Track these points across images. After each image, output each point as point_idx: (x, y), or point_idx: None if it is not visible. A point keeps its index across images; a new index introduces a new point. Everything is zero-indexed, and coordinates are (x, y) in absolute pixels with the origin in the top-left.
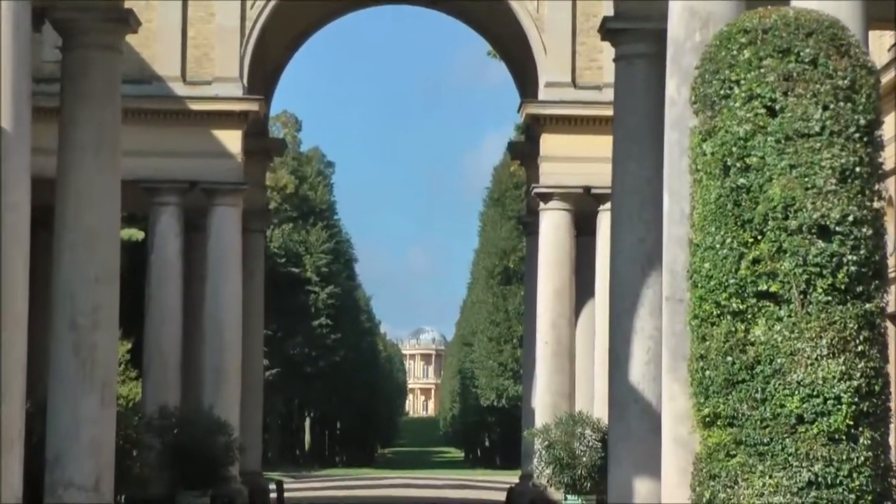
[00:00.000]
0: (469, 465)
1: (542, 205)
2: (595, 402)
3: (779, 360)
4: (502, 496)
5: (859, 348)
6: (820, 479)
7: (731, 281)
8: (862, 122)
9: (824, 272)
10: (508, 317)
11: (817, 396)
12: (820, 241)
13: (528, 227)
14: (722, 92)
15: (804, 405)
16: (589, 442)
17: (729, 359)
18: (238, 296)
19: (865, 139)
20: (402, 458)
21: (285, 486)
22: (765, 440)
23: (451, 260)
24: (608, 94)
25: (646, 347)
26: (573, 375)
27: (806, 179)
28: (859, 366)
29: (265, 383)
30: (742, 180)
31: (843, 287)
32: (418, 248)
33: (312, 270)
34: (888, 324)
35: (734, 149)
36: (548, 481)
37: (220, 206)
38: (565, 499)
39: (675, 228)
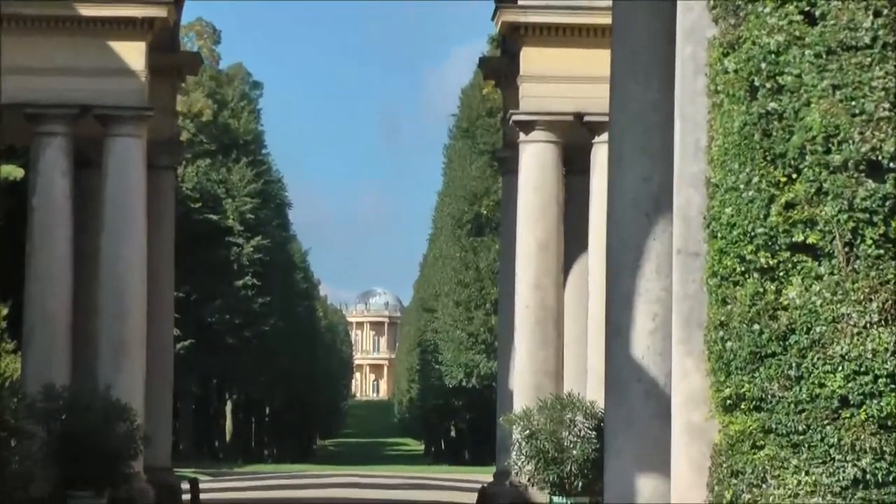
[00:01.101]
0: (431, 461)
1: (522, 136)
2: (588, 382)
3: (818, 329)
4: (472, 499)
5: None
6: (868, 475)
7: (759, 230)
8: None
9: (875, 219)
10: (480, 276)
11: (865, 374)
12: (869, 181)
13: (505, 163)
14: None
15: (849, 385)
16: (580, 431)
17: (756, 327)
18: (142, 249)
19: None
20: (347, 451)
21: (201, 485)
22: (800, 428)
23: (409, 206)
24: None
25: (651, 313)
26: (560, 348)
27: (853, 103)
28: None
29: (176, 358)
30: (773, 105)
31: None
32: (367, 190)
33: (235, 218)
34: None
35: (763, 65)
36: (529, 480)
37: (120, 137)
38: (551, 501)
39: (688, 165)
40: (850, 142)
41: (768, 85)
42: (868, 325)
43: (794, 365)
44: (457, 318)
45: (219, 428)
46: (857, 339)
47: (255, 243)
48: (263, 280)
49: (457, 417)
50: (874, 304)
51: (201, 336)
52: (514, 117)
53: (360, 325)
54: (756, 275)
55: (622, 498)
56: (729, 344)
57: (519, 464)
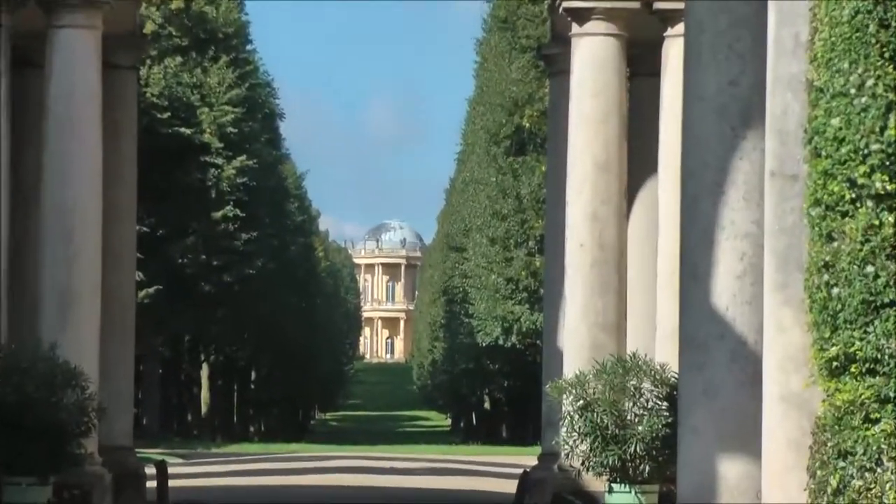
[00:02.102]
0: (459, 439)
1: (575, 27)
2: (658, 339)
3: None
4: (510, 487)
5: None
6: None
7: (874, 146)
8: None
9: None
10: (521, 205)
11: None
12: None
13: (554, 62)
14: None
15: None
16: (648, 402)
17: (869, 269)
18: (96, 171)
19: None
20: (353, 427)
21: (170, 469)
22: None
23: (432, 118)
24: None
25: (738, 252)
26: (623, 297)
27: None
28: None
29: (139, 310)
30: None
31: None
32: (380, 99)
33: (213, 132)
34: None
35: None
36: (583, 463)
37: (67, 29)
38: (610, 490)
39: (785, 64)
40: None
41: None
42: None
43: None
44: (492, 259)
45: (192, 398)
46: None
47: (237, 164)
48: (248, 211)
49: (492, 384)
50: None
51: (170, 282)
52: (566, 4)
53: (369, 268)
54: (870, 203)
55: (700, 486)
56: (836, 291)
57: (570, 443)
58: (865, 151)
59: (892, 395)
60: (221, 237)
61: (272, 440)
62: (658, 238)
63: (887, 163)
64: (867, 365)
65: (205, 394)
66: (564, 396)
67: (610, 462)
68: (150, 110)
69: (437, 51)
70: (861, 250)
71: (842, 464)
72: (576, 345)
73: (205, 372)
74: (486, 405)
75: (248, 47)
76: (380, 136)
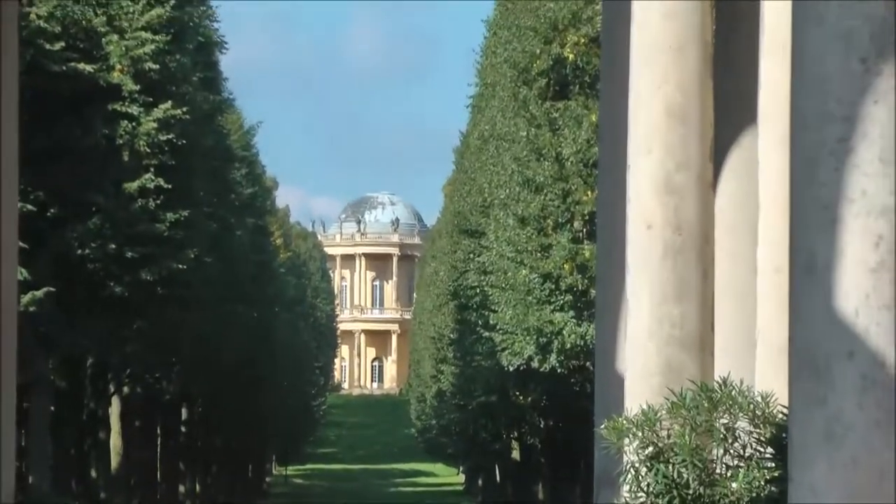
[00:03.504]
0: (478, 501)
1: None
2: (758, 360)
3: None
4: None
5: None
6: None
7: None
8: None
9: None
10: (562, 170)
11: None
12: None
13: None
14: None
15: None
16: (745, 448)
17: None
18: None
19: None
20: (325, 487)
21: None
22: None
23: (434, 48)
24: None
25: (872, 235)
26: (710, 299)
27: None
28: None
29: (22, 322)
30: None
31: None
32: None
33: (125, 69)
34: None
35: None
36: None
37: None
38: None
39: None
40: None
41: None
42: None
43: None
44: (522, 247)
45: (98, 446)
46: None
47: (160, 115)
48: (176, 181)
49: (523, 425)
50: None
51: (65, 283)
52: None
53: (348, 260)
54: None
55: None
56: None
57: None
58: None
59: None
60: (137, 218)
61: None
62: (758, 217)
63: None
64: None
65: (115, 440)
66: (626, 441)
67: None
68: (35, 39)
69: None
70: None
71: None
72: (642, 368)
73: (115, 409)
74: (516, 454)
75: None
76: (362, 73)
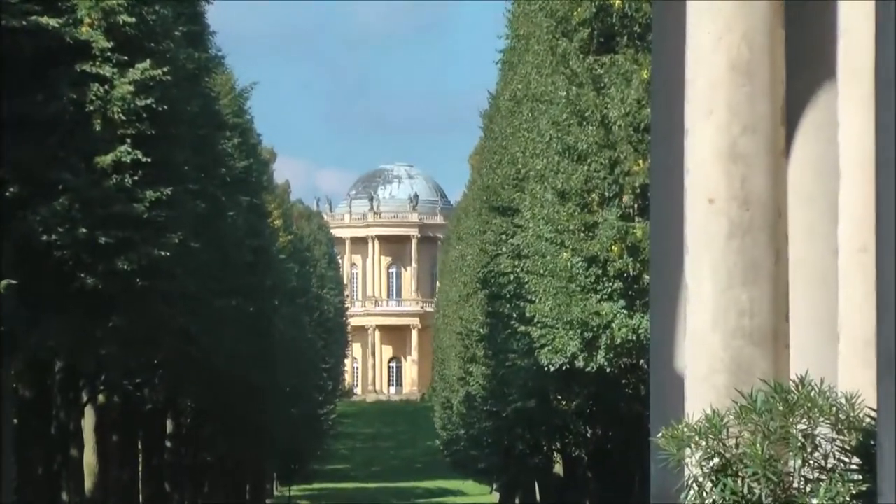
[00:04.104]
0: None
1: None
2: (841, 355)
3: None
4: None
5: None
6: None
7: None
8: None
9: None
10: (609, 136)
11: None
12: None
13: None
14: None
15: None
16: (827, 459)
17: None
18: None
19: None
20: None
21: None
22: None
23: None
24: None
25: None
26: (783, 287)
27: None
28: None
29: None
30: None
31: None
32: None
33: (96, 22)
34: None
35: None
36: None
37: None
38: None
39: None
40: None
41: None
42: None
43: None
44: (563, 226)
45: (69, 464)
46: None
47: (137, 76)
48: (156, 154)
49: (566, 433)
50: None
51: (29, 273)
52: None
53: (359, 244)
54: None
55: None
56: None
57: None
58: None
59: None
60: (112, 198)
61: None
62: (838, 188)
63: None
64: None
65: (89, 458)
66: (688, 452)
67: None
68: None
69: None
70: None
71: None
72: (705, 366)
73: (89, 421)
74: (558, 469)
75: None
76: (373, 26)
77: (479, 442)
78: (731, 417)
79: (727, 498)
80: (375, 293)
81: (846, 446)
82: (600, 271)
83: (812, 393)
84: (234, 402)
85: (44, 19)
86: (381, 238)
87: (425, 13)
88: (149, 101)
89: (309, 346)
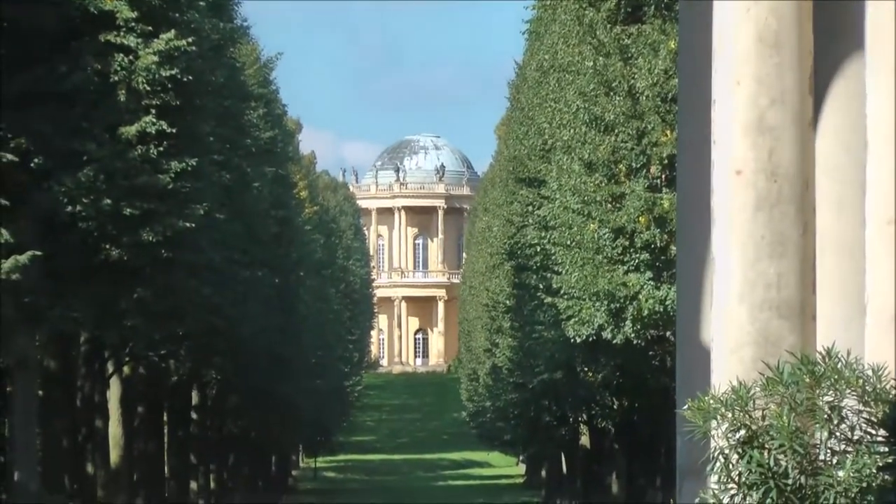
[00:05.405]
0: (541, 499)
1: None
2: (868, 328)
3: None
4: None
5: None
6: None
7: None
8: None
9: None
10: (635, 106)
11: None
12: None
13: None
14: None
15: None
16: (853, 431)
17: None
18: None
19: None
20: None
21: None
22: None
23: None
24: None
25: None
26: (811, 259)
27: None
28: None
29: (2, 293)
30: None
31: None
32: None
33: None
34: None
35: None
36: None
37: None
38: None
39: None
40: None
41: None
42: None
43: None
44: (588, 196)
45: (94, 437)
46: None
47: (161, 47)
48: (181, 125)
49: (593, 405)
50: None
51: (53, 246)
52: None
53: (385, 215)
54: None
55: None
56: None
57: (726, 501)
58: None
59: None
60: (136, 169)
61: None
62: (866, 160)
63: None
64: None
65: (115, 430)
66: (714, 424)
67: None
68: None
69: None
70: None
71: None
72: (732, 338)
73: (114, 393)
74: (585, 441)
75: None
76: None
77: (506, 413)
78: (758, 389)
79: (753, 470)
80: (402, 264)
81: (873, 418)
82: (627, 242)
83: (839, 365)
84: (259, 373)
85: None
86: (408, 209)
87: None
88: (173, 72)
89: (335, 318)
